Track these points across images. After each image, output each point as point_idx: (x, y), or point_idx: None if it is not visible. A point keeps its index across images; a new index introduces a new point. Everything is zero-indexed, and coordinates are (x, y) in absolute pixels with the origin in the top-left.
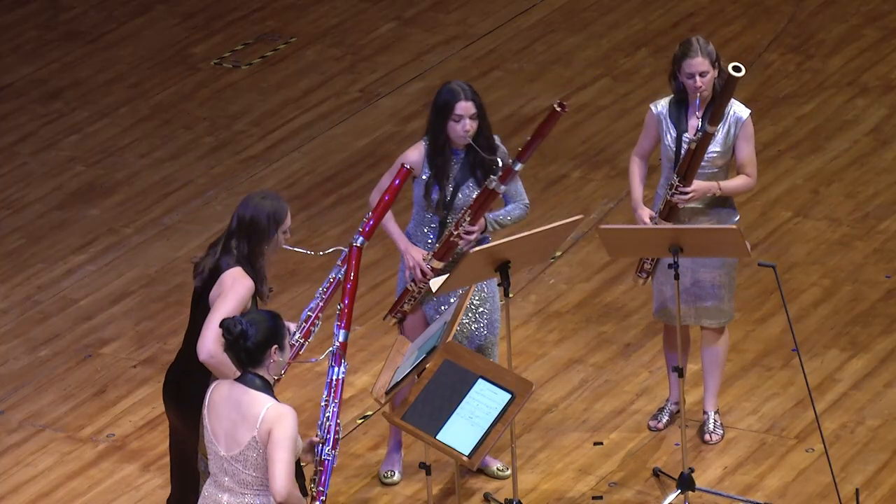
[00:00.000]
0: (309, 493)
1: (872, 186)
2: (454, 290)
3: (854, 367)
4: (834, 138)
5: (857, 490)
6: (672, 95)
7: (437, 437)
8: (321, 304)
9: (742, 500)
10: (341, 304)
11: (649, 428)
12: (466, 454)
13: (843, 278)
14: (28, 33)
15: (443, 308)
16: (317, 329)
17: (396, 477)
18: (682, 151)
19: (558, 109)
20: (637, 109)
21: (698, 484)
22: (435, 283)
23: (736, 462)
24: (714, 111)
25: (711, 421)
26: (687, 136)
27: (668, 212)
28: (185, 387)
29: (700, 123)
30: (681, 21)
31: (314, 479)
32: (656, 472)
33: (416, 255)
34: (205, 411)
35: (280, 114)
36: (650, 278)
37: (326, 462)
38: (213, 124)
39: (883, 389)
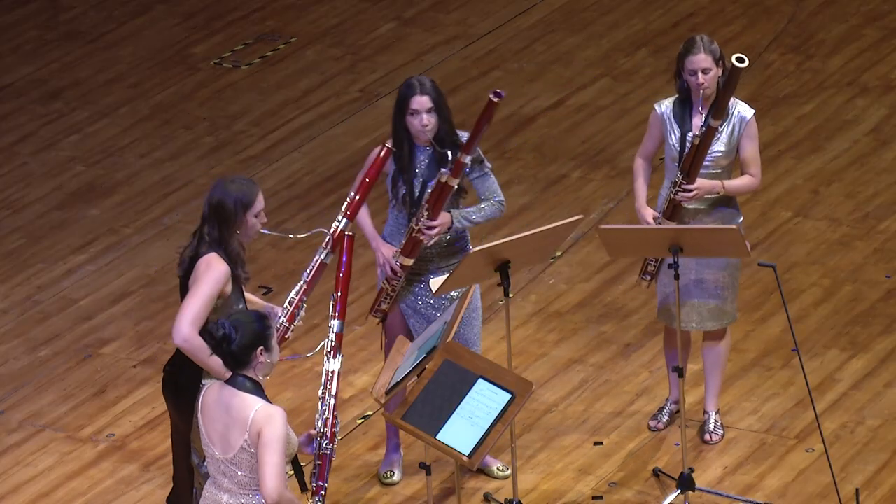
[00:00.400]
0: (308, 488)
1: (872, 186)
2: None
3: (854, 367)
4: (834, 138)
5: (857, 490)
6: (676, 96)
7: (437, 437)
8: (305, 286)
9: (742, 500)
10: (335, 295)
11: (649, 428)
12: (466, 454)
13: (843, 278)
14: (28, 33)
15: (419, 304)
16: (302, 312)
17: (396, 477)
18: (686, 151)
19: (494, 99)
20: (637, 109)
21: (698, 484)
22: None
23: (736, 462)
24: (718, 104)
25: (712, 421)
26: (691, 135)
27: (672, 211)
28: (180, 379)
29: (704, 119)
30: (681, 21)
31: (314, 474)
32: (656, 473)
33: (385, 252)
34: (199, 414)
35: (280, 114)
36: (654, 280)
37: (325, 456)
38: (213, 124)
39: (883, 389)
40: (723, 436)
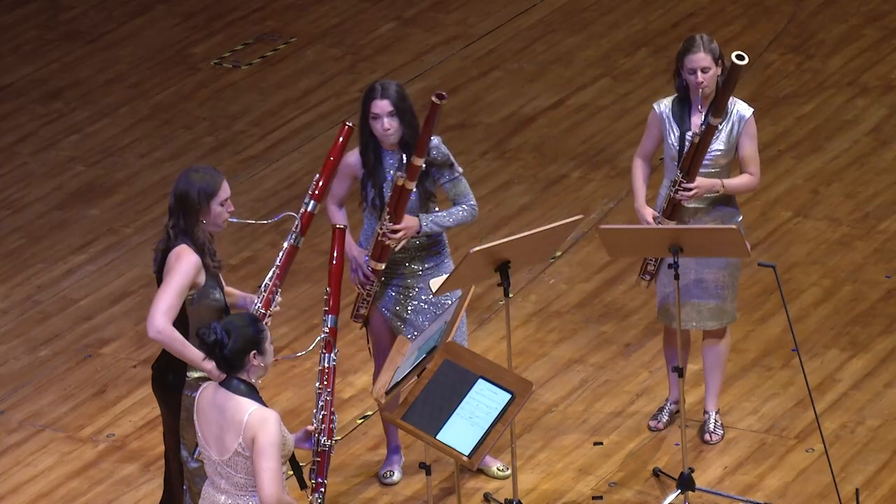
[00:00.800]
0: (308, 484)
1: (872, 186)
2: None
3: (854, 367)
4: (834, 138)
5: (857, 490)
6: (675, 95)
7: (437, 437)
8: (278, 272)
9: (742, 500)
10: (328, 290)
11: (649, 428)
12: (466, 454)
13: (843, 278)
14: (28, 33)
15: (397, 307)
16: (277, 297)
17: (396, 477)
18: (686, 150)
19: (437, 101)
20: (637, 109)
21: (698, 484)
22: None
23: (736, 462)
24: (717, 102)
25: (712, 421)
26: (690, 134)
27: (672, 210)
28: (167, 376)
29: (703, 118)
30: (681, 21)
31: (313, 470)
32: (656, 473)
33: (357, 256)
34: (194, 416)
35: (280, 114)
36: (654, 280)
37: (324, 453)
38: (213, 124)
39: (883, 389)
40: (723, 436)
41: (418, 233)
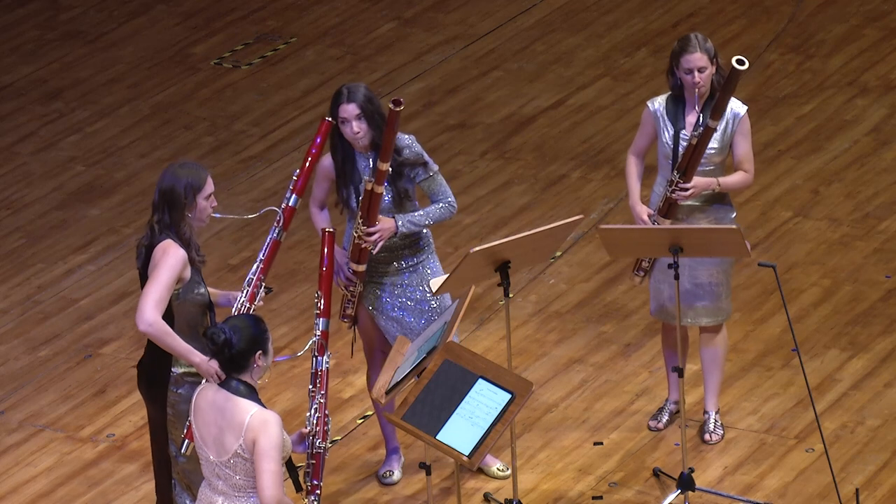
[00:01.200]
0: (303, 487)
1: (872, 186)
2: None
3: (854, 367)
4: (834, 138)
5: (857, 490)
6: (668, 93)
7: (437, 437)
8: (262, 266)
9: (742, 500)
10: (319, 293)
11: (649, 428)
12: (466, 454)
13: (843, 278)
14: (28, 33)
15: (385, 306)
16: (261, 292)
17: (395, 477)
18: (680, 148)
19: (395, 109)
20: (637, 110)
21: (698, 484)
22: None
23: (736, 462)
24: (716, 105)
25: (712, 421)
26: (685, 133)
27: (668, 209)
28: (151, 372)
29: (700, 118)
30: (681, 21)
31: (308, 473)
32: (656, 472)
33: (339, 258)
34: (191, 416)
35: (280, 114)
36: (647, 277)
37: (319, 455)
38: (213, 124)
39: (883, 389)
40: (723, 436)
41: (395, 234)
